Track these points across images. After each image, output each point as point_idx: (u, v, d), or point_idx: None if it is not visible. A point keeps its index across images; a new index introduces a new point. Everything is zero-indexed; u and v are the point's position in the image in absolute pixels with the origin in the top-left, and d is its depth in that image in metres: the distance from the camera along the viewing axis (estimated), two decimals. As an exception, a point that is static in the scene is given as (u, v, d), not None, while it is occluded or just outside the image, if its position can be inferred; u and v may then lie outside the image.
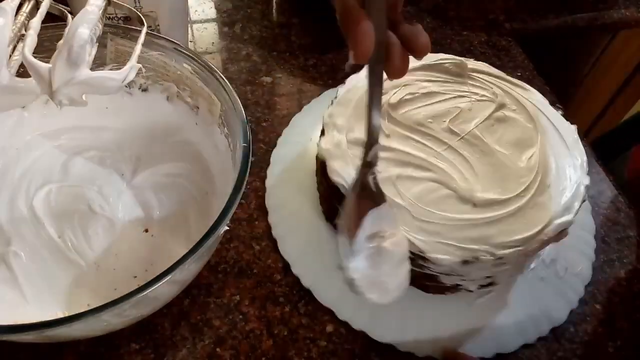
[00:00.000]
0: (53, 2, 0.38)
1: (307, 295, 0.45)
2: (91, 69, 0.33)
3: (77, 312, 0.29)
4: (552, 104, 0.50)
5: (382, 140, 0.38)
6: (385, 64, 0.31)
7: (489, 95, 0.49)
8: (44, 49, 0.37)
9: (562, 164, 0.44)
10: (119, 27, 0.44)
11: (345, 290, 0.44)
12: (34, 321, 0.28)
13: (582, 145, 0.46)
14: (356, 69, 0.31)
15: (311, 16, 0.71)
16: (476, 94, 0.49)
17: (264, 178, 0.52)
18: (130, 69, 0.35)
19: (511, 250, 0.39)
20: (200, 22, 0.70)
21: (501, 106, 0.48)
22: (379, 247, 0.33)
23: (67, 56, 0.32)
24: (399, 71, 0.31)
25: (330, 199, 0.45)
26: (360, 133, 0.45)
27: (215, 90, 0.43)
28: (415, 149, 0.45)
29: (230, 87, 0.41)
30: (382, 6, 0.29)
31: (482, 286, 0.44)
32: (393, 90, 0.49)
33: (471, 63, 0.52)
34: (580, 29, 0.76)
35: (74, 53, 0.32)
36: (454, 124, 0.46)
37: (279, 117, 0.58)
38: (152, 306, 0.38)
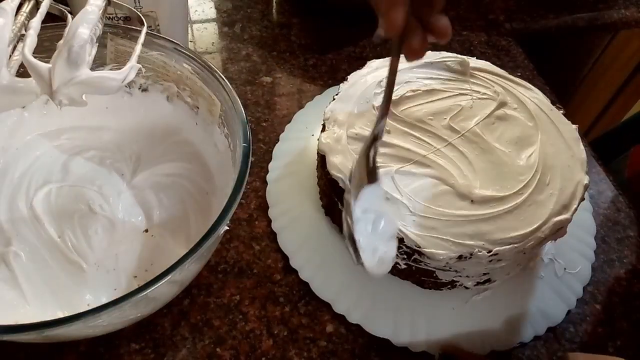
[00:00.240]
0: (53, 2, 0.38)
1: (307, 295, 0.45)
2: (91, 69, 0.33)
3: (77, 312, 0.29)
4: (552, 103, 0.50)
5: (383, 136, 0.39)
6: (405, 43, 0.33)
7: (491, 94, 0.49)
8: (44, 49, 0.37)
9: (561, 162, 0.44)
10: (119, 27, 0.44)
11: (343, 284, 0.44)
12: (34, 321, 0.28)
13: (582, 145, 0.46)
14: (384, 41, 0.34)
15: (311, 16, 0.71)
16: (477, 92, 0.49)
17: (264, 178, 0.52)
18: (130, 69, 0.35)
19: (507, 247, 0.39)
20: (200, 22, 0.70)
21: (502, 104, 0.48)
22: (375, 218, 0.35)
23: (67, 56, 0.32)
24: (417, 51, 0.33)
25: (330, 193, 0.45)
26: (360, 129, 0.46)
27: (215, 90, 0.43)
28: (415, 146, 0.45)
29: (230, 87, 0.41)
30: None
31: (479, 283, 0.44)
32: (395, 87, 0.49)
33: (473, 61, 0.52)
34: (580, 29, 0.76)
35: (74, 53, 0.32)
36: (455, 121, 0.47)
37: (279, 117, 0.58)
38: (152, 306, 0.38)
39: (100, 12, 0.36)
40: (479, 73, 0.51)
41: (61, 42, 0.32)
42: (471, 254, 0.39)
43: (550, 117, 0.48)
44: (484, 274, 0.43)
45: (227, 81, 0.42)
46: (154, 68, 0.46)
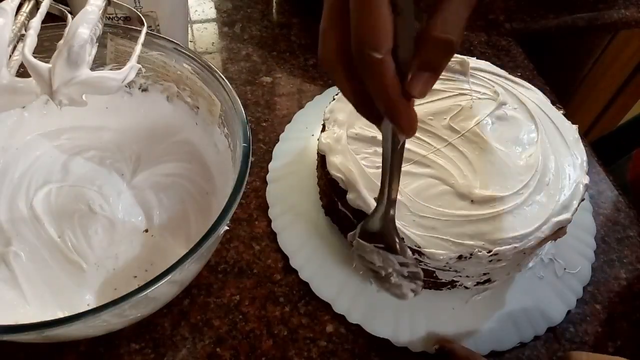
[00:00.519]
0: (53, 2, 0.38)
1: (307, 295, 0.45)
2: (91, 69, 0.33)
3: (77, 312, 0.29)
4: (552, 103, 0.50)
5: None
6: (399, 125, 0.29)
7: (490, 94, 0.49)
8: (44, 49, 0.37)
9: (561, 162, 0.44)
10: (119, 27, 0.44)
11: (343, 284, 0.44)
12: (34, 321, 0.29)
13: (582, 145, 0.46)
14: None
15: (311, 16, 0.71)
16: (478, 92, 0.49)
17: (264, 178, 0.52)
18: (130, 69, 0.35)
19: (507, 247, 0.39)
20: (200, 22, 0.70)
21: (502, 104, 0.48)
22: None
23: (67, 56, 0.32)
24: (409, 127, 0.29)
25: (330, 193, 0.45)
26: (360, 129, 0.46)
27: (215, 90, 0.43)
28: (415, 146, 0.45)
29: (230, 87, 0.41)
30: None
31: (479, 283, 0.44)
32: None
33: (473, 61, 0.52)
34: (580, 29, 0.76)
35: (74, 53, 0.32)
36: (455, 121, 0.47)
37: (279, 117, 0.58)
38: (152, 306, 0.38)
39: (100, 12, 0.36)
40: (479, 73, 0.51)
41: (61, 42, 0.32)
42: (471, 254, 0.39)
43: (550, 117, 0.48)
44: (484, 274, 0.43)
45: (227, 81, 0.42)
46: (154, 68, 0.46)
